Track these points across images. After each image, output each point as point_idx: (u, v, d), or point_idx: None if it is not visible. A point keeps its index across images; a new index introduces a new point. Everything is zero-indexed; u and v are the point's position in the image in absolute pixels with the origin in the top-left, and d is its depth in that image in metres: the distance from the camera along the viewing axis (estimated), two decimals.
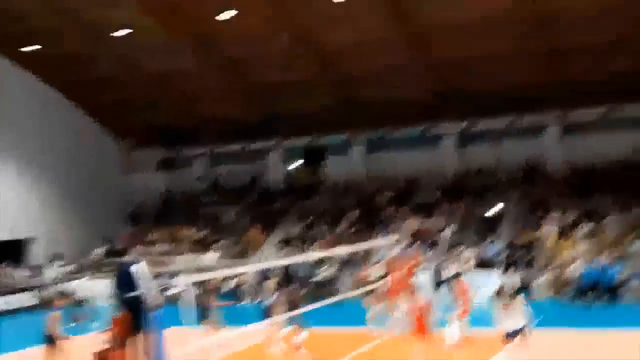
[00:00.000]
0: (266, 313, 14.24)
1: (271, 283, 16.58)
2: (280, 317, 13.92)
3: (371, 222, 25.13)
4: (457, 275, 14.77)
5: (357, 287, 17.63)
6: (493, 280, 18.77)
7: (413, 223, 24.14)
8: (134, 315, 10.88)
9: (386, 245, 19.02)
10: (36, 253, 27.86)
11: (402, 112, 26.44)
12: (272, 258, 23.76)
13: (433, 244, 23.01)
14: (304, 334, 13.87)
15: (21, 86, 27.65)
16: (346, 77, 26.33)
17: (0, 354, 16.75)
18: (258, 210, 29.23)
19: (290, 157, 31.45)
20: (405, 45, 24.16)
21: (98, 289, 23.08)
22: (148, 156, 32.30)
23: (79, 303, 21.90)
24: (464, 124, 27.08)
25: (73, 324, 18.87)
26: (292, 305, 14.16)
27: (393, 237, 19.44)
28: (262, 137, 29.16)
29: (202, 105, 29.08)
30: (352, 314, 17.13)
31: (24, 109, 27.56)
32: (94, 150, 30.74)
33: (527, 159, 26.02)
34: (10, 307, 23.91)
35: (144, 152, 32.43)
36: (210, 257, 25.70)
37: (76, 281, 23.83)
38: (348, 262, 23.04)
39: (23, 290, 24.56)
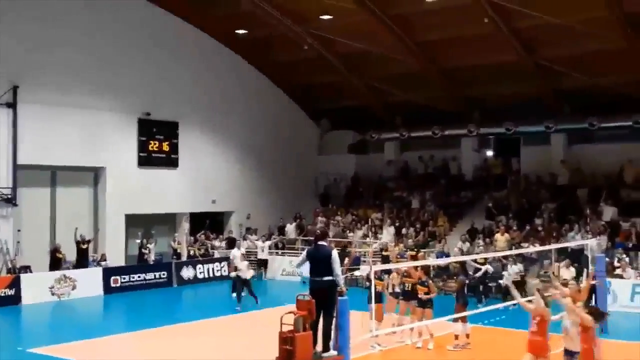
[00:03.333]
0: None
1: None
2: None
3: (566, 219, 23.66)
4: None
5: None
6: None
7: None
8: (322, 298, 11.10)
9: (591, 246, 17.65)
10: (233, 226, 29.49)
11: (611, 102, 24.52)
12: (455, 249, 23.20)
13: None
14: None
15: (231, 69, 29.22)
16: (549, 63, 24.83)
17: (200, 319, 17.97)
18: (446, 198, 28.73)
19: (483, 145, 30.56)
20: (620, 27, 21.95)
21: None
22: (341, 138, 32.92)
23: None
24: None
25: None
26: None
27: (595, 238, 18.06)
28: (456, 123, 28.48)
29: (395, 90, 28.98)
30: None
31: (231, 89, 29.12)
32: (294, 131, 31.86)
33: None
34: (206, 275, 25.63)
35: (338, 134, 33.09)
36: (387, 231, 25.75)
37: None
38: (536, 260, 21.88)
39: (219, 260, 26.11)
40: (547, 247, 19.16)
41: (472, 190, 28.69)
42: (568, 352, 9.88)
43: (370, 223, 27.51)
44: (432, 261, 18.72)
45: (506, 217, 25.21)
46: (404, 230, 25.98)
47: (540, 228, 23.85)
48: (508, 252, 19.63)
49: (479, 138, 29.71)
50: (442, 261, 19.99)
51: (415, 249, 21.94)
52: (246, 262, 20.81)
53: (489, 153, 30.65)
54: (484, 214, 26.39)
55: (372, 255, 22.38)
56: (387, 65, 27.63)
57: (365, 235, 26.65)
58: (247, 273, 20.12)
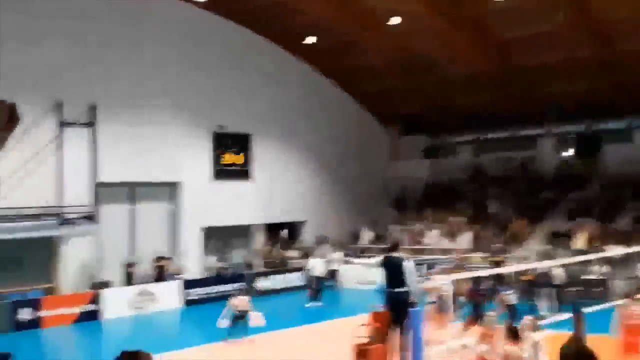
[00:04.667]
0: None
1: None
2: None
3: None
4: None
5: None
6: None
7: None
8: (396, 310, 10.89)
9: None
10: (306, 236, 29.54)
11: None
12: (535, 252, 22.48)
13: None
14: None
15: (301, 78, 29.36)
16: (623, 58, 23.79)
17: (276, 329, 18.00)
18: (524, 200, 27.92)
19: (562, 144, 29.59)
20: None
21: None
22: (414, 143, 32.54)
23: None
24: None
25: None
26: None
27: None
28: (531, 123, 27.66)
29: (466, 92, 28.41)
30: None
31: (302, 98, 29.22)
32: (365, 138, 31.70)
33: None
34: (281, 286, 25.72)
35: (410, 140, 32.73)
36: (464, 237, 25.26)
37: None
38: (621, 262, 20.93)
39: (293, 270, 26.15)
40: (632, 249, 18.29)
41: (552, 191, 27.78)
42: None
43: (446, 228, 27.02)
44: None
45: (588, 217, 24.27)
46: (481, 234, 25.41)
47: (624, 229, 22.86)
48: (591, 256, 18.86)
49: (557, 138, 28.78)
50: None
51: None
52: (322, 261, 21.38)
53: (569, 152, 29.63)
54: (565, 215, 25.49)
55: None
56: (460, 67, 27.11)
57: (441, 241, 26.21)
58: (320, 271, 20.81)
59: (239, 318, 16.51)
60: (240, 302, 16.67)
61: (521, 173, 29.62)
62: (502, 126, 28.12)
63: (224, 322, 16.31)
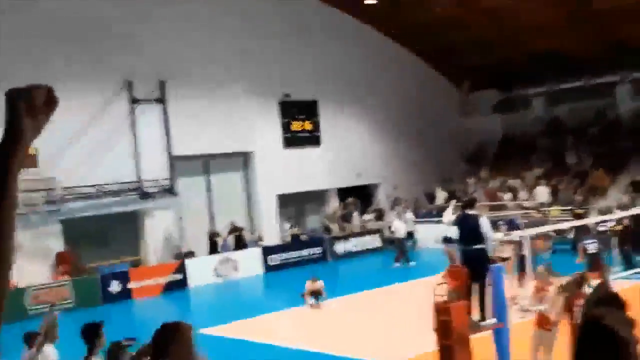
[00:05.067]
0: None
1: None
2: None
3: None
4: None
5: None
6: None
7: None
8: (473, 267, 10.85)
9: None
10: (380, 197, 29.58)
11: None
12: (617, 203, 21.85)
13: None
14: None
15: (360, 37, 29.06)
16: None
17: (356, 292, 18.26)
18: (603, 150, 27.05)
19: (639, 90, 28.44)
20: None
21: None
22: (485, 98, 31.88)
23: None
24: None
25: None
26: None
27: None
28: (607, 71, 26.64)
29: (537, 42, 27.50)
30: None
31: (365, 61, 29.00)
32: (433, 96, 31.24)
33: None
34: (358, 249, 25.93)
35: (480, 95, 32.08)
36: (541, 191, 24.78)
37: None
38: None
39: (369, 232, 26.30)
40: None
41: (631, 140, 26.79)
42: None
43: (524, 183, 26.55)
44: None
45: None
46: (560, 187, 24.84)
47: None
48: None
49: (635, 83, 27.64)
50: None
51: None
52: (402, 223, 22.20)
53: None
54: None
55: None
56: (528, 15, 26.21)
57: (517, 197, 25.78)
58: (401, 232, 21.87)
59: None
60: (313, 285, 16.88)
61: (598, 122, 28.70)
62: (575, 75, 27.17)
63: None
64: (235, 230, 24.13)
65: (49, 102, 1.65)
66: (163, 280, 21.53)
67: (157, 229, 22.98)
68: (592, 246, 15.15)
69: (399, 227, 23.33)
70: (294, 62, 26.67)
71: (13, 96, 1.61)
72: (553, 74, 28.51)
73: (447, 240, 16.97)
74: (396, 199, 28.69)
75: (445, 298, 10.64)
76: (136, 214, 22.84)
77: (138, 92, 22.77)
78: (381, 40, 29.86)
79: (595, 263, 13.81)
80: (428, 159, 30.24)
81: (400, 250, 22.99)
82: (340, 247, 25.55)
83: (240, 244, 23.87)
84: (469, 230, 11.17)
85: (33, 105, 1.61)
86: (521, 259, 14.70)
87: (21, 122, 1.59)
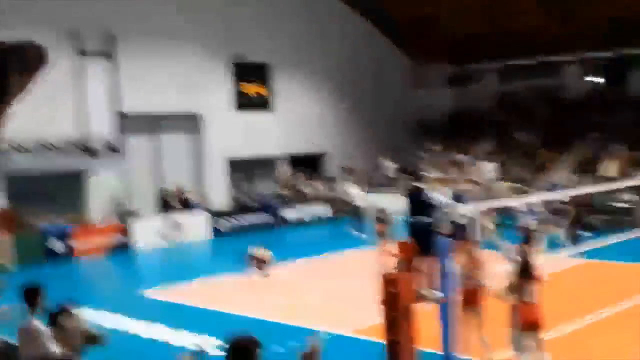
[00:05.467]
0: None
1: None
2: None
3: None
4: None
5: None
6: None
7: None
8: (421, 241, 10.92)
9: None
10: (331, 167, 29.56)
11: None
12: (564, 181, 22.31)
13: None
14: None
15: (320, 6, 28.82)
16: None
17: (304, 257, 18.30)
18: (551, 128, 27.55)
19: (589, 71, 28.92)
20: None
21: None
22: (437, 72, 32.00)
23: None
24: None
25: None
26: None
27: None
28: (559, 50, 27.00)
29: (491, 18, 27.65)
30: None
31: (321, 27, 28.73)
32: (387, 68, 31.23)
33: None
34: (307, 217, 25.93)
35: (433, 68, 32.18)
36: (490, 167, 25.14)
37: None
38: None
39: (320, 200, 26.30)
40: None
41: (580, 119, 27.34)
42: None
43: (472, 157, 26.83)
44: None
45: (617, 144, 23.96)
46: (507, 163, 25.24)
47: None
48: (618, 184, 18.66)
49: (584, 64, 28.13)
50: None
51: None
52: (360, 191, 22.53)
53: (597, 80, 29.00)
54: (593, 142, 25.18)
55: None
56: None
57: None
58: (361, 201, 21.45)
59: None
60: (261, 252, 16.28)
61: (548, 101, 29.16)
62: (528, 54, 27.48)
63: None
64: (182, 193, 23.78)
65: (41, 60, 1.55)
66: (107, 240, 21.18)
67: (103, 188, 22.48)
68: (533, 222, 15.49)
69: (356, 194, 23.21)
70: (248, 25, 26.21)
71: (4, 49, 1.50)
72: (506, 51, 28.77)
73: (379, 220, 17.27)
74: (347, 168, 28.71)
75: (393, 270, 10.72)
76: (82, 172, 22.27)
77: (86, 45, 22.03)
78: (339, 8, 29.58)
79: (528, 238, 13.98)
80: (380, 130, 30.30)
81: (358, 217, 22.56)
82: (290, 214, 25.49)
83: (186, 206, 23.58)
84: (416, 203, 11.23)
85: (23, 62, 1.51)
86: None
87: (8, 77, 1.49)
